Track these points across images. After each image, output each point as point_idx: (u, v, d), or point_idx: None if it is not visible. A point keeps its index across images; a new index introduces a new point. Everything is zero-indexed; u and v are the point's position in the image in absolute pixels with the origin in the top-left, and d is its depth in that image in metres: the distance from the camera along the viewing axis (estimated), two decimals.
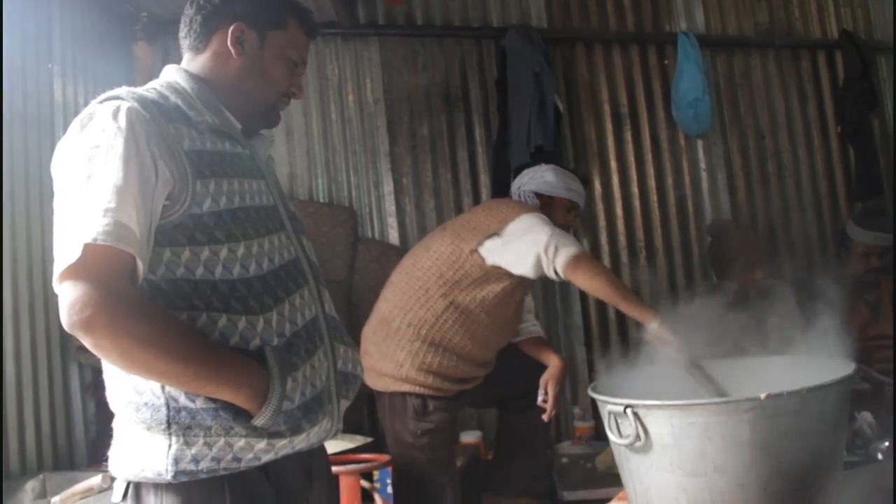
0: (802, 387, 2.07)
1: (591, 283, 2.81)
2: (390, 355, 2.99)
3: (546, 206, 3.17)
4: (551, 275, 2.87)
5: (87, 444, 3.51)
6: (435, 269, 2.99)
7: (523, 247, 2.88)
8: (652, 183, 4.58)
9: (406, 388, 2.99)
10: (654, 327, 2.67)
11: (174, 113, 1.41)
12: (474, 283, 2.96)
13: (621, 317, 4.46)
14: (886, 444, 2.80)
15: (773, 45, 4.86)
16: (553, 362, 3.19)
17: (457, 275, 2.97)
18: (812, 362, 2.54)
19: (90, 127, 1.33)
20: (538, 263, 2.87)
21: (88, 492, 2.67)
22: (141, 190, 1.29)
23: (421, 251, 3.11)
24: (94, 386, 3.48)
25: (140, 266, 1.28)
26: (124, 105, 1.34)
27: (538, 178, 3.24)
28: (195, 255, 1.35)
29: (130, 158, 1.29)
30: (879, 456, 2.77)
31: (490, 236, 2.94)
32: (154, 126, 1.35)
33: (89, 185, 1.27)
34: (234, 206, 1.41)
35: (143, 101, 1.38)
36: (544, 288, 4.43)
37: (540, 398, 3.11)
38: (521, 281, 2.97)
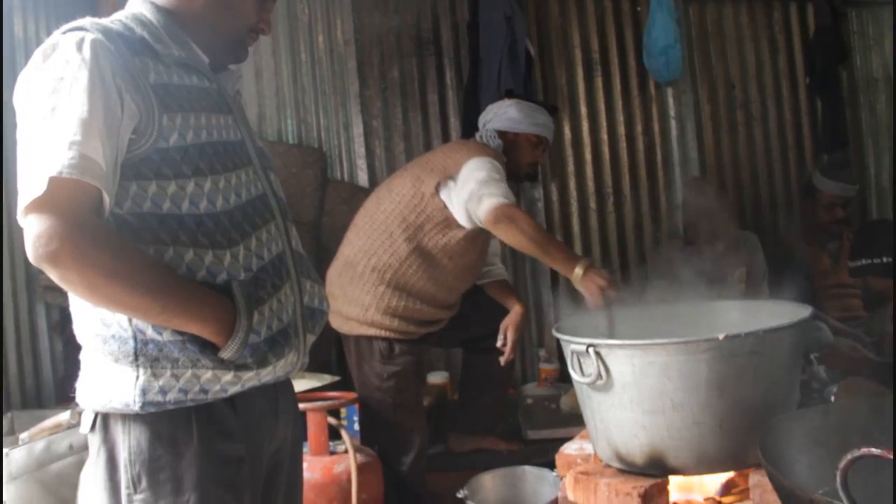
0: (759, 328, 2.13)
1: (512, 237, 2.79)
2: (356, 299, 3.01)
3: (511, 144, 3.17)
4: (481, 226, 2.88)
5: (55, 383, 3.52)
6: (398, 212, 3.00)
7: (461, 194, 2.89)
8: (621, 130, 4.60)
9: (372, 331, 3.02)
10: (577, 274, 2.72)
11: (140, 45, 1.39)
12: (437, 228, 2.97)
13: None
14: (835, 388, 2.88)
15: None
16: (514, 308, 3.22)
17: (419, 219, 2.97)
18: (773, 307, 2.60)
19: (53, 58, 1.31)
20: (467, 213, 2.89)
21: (57, 428, 2.69)
22: (106, 123, 1.28)
23: (384, 193, 3.11)
24: (62, 325, 3.48)
25: (106, 199, 1.28)
26: (88, 36, 1.32)
27: (501, 114, 3.20)
28: (162, 190, 1.35)
29: (95, 91, 1.28)
30: (832, 399, 2.85)
31: (447, 179, 2.95)
32: (119, 58, 1.33)
33: (53, 117, 1.26)
34: (201, 141, 1.41)
35: (107, 32, 1.35)
36: None
37: (499, 342, 3.15)
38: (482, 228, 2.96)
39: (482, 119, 3.27)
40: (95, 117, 1.26)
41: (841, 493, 1.44)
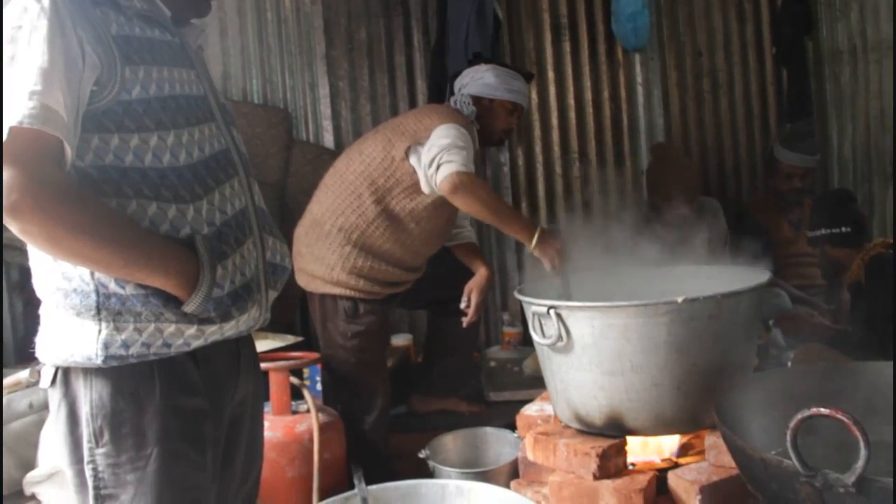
0: (717, 292, 2.16)
1: (468, 205, 2.83)
2: (322, 258, 3.01)
3: (486, 110, 3.15)
4: (438, 193, 2.89)
5: (15, 342, 3.48)
6: (367, 174, 2.99)
7: (423, 160, 2.89)
8: (588, 95, 4.59)
9: (337, 290, 3.02)
10: (533, 241, 2.79)
11: None
12: (405, 192, 2.96)
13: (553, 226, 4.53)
14: (791, 353, 2.94)
15: None
16: (479, 271, 3.24)
17: (388, 182, 2.97)
18: (733, 273, 2.64)
19: (12, 6, 1.28)
20: (426, 179, 2.90)
21: (16, 386, 2.66)
22: (67, 73, 1.26)
23: (354, 154, 3.09)
24: (21, 285, 3.43)
25: (68, 151, 1.27)
26: None
27: (478, 79, 3.17)
28: (124, 143, 1.33)
29: (55, 40, 1.26)
30: (788, 364, 2.91)
31: (417, 145, 2.93)
32: (79, 8, 1.31)
33: (12, 67, 1.24)
34: (163, 94, 1.39)
35: None
36: None
37: (463, 304, 3.17)
38: None
39: (458, 83, 3.24)
40: (56, 67, 1.24)
41: (791, 452, 1.48)
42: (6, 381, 2.68)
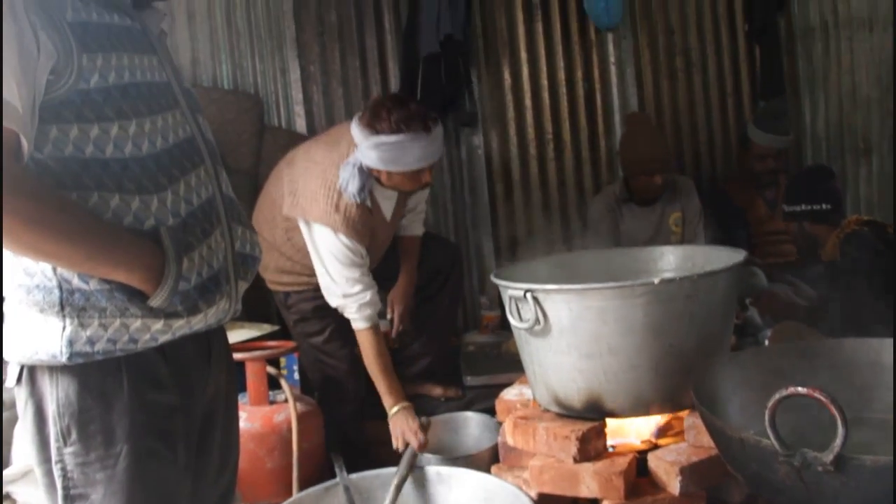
0: (693, 273, 2.16)
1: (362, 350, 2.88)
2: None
3: (388, 180, 2.88)
4: None
5: None
6: (279, 198, 2.98)
7: (317, 266, 2.90)
8: (561, 75, 4.56)
9: (273, 287, 3.15)
10: (392, 410, 2.78)
11: None
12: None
13: (529, 208, 4.52)
14: (769, 332, 2.95)
15: None
16: (400, 279, 3.23)
17: (289, 223, 2.96)
18: (708, 252, 2.64)
19: None
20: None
21: None
22: (21, 63, 1.21)
23: (300, 158, 3.03)
24: None
25: (24, 143, 1.22)
26: None
27: (366, 152, 2.79)
28: (84, 133, 1.29)
29: (8, 29, 1.21)
30: (766, 343, 2.93)
31: (300, 221, 2.91)
32: None
33: None
34: (123, 82, 1.35)
35: None
36: (452, 176, 4.44)
37: (387, 314, 3.20)
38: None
39: (353, 135, 2.85)
40: (9, 57, 1.20)
41: (769, 431, 1.48)
42: None
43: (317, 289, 2.98)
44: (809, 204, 3.36)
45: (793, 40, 5.00)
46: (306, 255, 2.93)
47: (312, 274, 2.96)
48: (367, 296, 2.82)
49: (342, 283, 2.82)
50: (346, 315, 2.86)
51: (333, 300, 2.87)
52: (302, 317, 3.11)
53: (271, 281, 3.14)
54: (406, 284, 3.22)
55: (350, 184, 2.79)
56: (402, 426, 2.69)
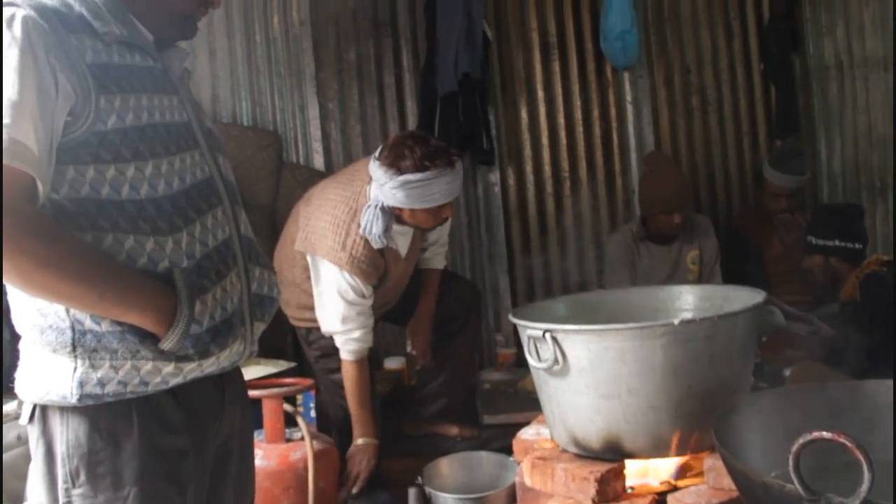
0: (713, 314, 2.15)
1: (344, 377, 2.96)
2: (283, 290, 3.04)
3: (410, 218, 2.92)
4: None
5: (2, 371, 3.43)
6: (296, 236, 3.03)
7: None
8: (578, 114, 4.59)
9: (295, 323, 3.15)
10: (357, 441, 2.93)
11: (77, 23, 1.32)
12: None
13: (545, 246, 4.52)
14: (788, 371, 2.92)
15: None
16: (417, 311, 3.26)
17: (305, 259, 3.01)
18: (727, 292, 2.62)
19: None
20: None
21: (5, 417, 2.63)
22: (39, 105, 1.22)
23: (315, 196, 3.07)
24: (8, 312, 3.39)
25: (39, 185, 1.23)
26: (20, 13, 1.25)
27: (389, 193, 2.81)
28: (101, 174, 1.30)
29: (27, 71, 1.22)
30: (785, 382, 2.89)
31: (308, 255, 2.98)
32: (53, 37, 1.27)
33: None
34: (141, 123, 1.35)
35: (41, 9, 1.28)
36: (469, 215, 4.45)
37: (408, 348, 3.25)
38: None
39: (371, 174, 2.87)
40: (27, 99, 1.21)
41: (793, 476, 1.45)
42: None
43: None
44: (842, 241, 3.31)
45: (808, 79, 5.02)
46: None
47: None
48: (357, 334, 2.90)
49: (335, 317, 2.89)
50: (336, 343, 2.94)
51: (324, 327, 2.95)
52: (323, 353, 3.11)
53: (293, 317, 3.15)
54: (424, 317, 3.23)
55: (374, 226, 2.80)
56: (360, 459, 2.87)
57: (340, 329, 2.90)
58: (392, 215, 2.85)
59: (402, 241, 3.03)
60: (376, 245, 2.84)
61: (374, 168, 2.84)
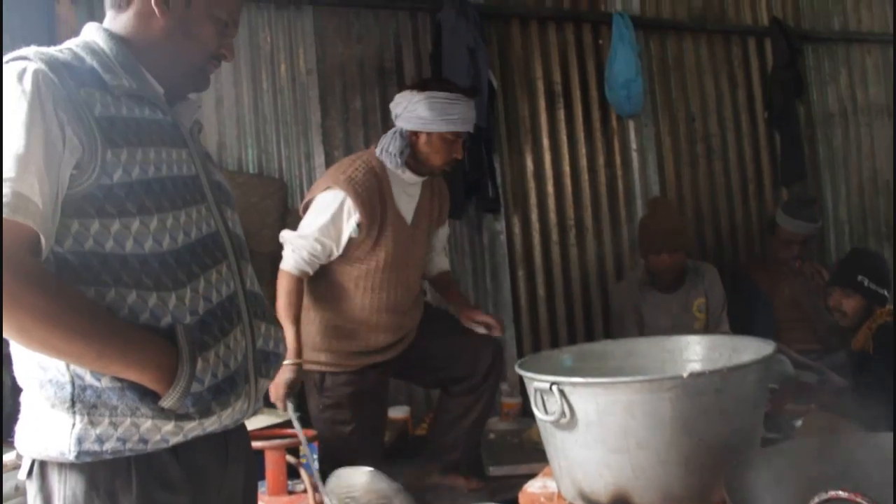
0: (723, 366, 2.12)
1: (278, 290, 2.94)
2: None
3: (423, 144, 3.00)
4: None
5: (3, 418, 3.41)
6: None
7: None
8: (583, 162, 4.61)
9: (309, 367, 3.05)
10: (288, 362, 2.84)
11: (87, 76, 1.33)
12: (337, 260, 3.01)
13: (550, 295, 4.50)
14: (799, 422, 2.89)
15: (705, 29, 4.93)
16: (454, 302, 3.37)
17: (313, 285, 3.06)
18: (736, 342, 2.59)
19: None
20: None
21: (4, 467, 2.60)
22: (46, 158, 1.22)
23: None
24: (10, 359, 3.38)
25: (43, 238, 1.23)
26: (31, 67, 1.26)
27: (411, 111, 2.96)
28: (105, 228, 1.29)
29: (34, 125, 1.22)
30: (796, 433, 2.86)
31: None
32: (62, 90, 1.27)
33: None
34: (148, 177, 1.35)
35: (51, 63, 1.30)
36: (474, 262, 4.43)
37: (480, 330, 3.20)
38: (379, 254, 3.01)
39: (392, 109, 3.07)
40: (33, 153, 1.21)
41: None
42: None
43: (355, 371, 3.01)
44: (877, 285, 3.29)
45: (812, 126, 5.05)
46: (338, 314, 3.03)
47: (351, 354, 3.03)
48: (315, 249, 2.93)
49: (311, 225, 2.94)
50: (284, 251, 2.97)
51: (285, 233, 3.00)
52: (336, 402, 3.05)
53: (307, 360, 3.06)
54: (462, 304, 3.32)
55: (391, 145, 2.95)
56: (281, 379, 2.81)
57: (306, 235, 2.92)
58: (408, 142, 2.96)
59: (405, 200, 3.07)
60: (390, 165, 2.97)
61: (398, 97, 3.04)
